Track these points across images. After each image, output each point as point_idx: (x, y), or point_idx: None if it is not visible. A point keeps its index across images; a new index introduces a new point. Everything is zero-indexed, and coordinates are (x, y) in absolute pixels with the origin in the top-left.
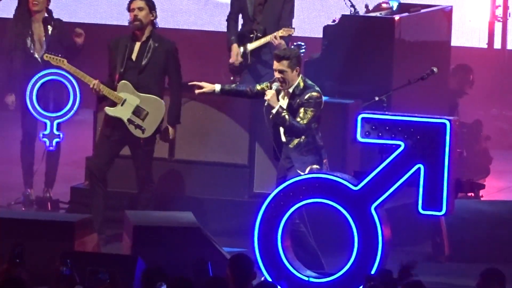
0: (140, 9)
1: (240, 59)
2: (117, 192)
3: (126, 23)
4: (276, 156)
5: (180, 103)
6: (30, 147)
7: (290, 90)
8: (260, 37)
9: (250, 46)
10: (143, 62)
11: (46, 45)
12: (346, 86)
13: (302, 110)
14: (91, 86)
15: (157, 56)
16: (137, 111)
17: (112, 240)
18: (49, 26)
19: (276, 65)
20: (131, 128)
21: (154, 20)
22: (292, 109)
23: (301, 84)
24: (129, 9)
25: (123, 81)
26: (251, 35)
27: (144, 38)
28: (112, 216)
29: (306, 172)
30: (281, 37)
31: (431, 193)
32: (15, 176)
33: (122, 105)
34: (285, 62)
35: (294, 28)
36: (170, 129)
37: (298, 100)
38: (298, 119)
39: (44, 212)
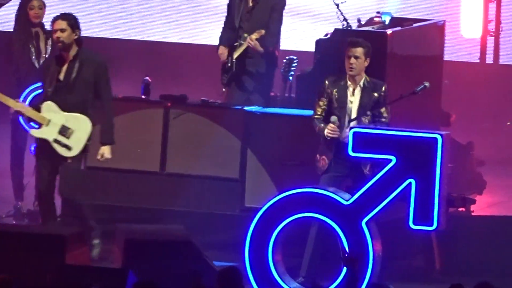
0: (62, 30)
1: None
2: (110, 206)
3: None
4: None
5: (112, 120)
6: (19, 160)
7: (361, 84)
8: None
9: (235, 54)
10: (71, 82)
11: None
12: None
13: (384, 109)
14: (14, 109)
15: (85, 74)
16: (62, 130)
17: (104, 253)
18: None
19: (351, 51)
20: (57, 147)
21: (79, 37)
22: (365, 103)
23: (367, 78)
24: (52, 29)
25: (47, 101)
26: (235, 44)
27: (71, 57)
28: (104, 229)
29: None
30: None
31: (422, 208)
32: (6, 189)
33: (47, 125)
34: (360, 49)
35: (263, 30)
36: (104, 148)
37: (373, 93)
38: (384, 120)
39: (35, 225)
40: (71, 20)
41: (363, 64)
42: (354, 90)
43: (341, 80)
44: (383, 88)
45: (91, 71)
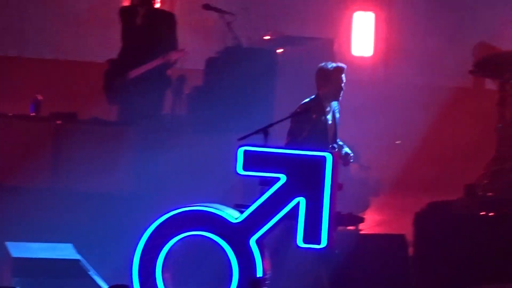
0: None
1: None
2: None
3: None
4: None
5: None
6: None
7: (333, 106)
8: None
9: (133, 73)
10: None
11: None
12: (228, 118)
13: None
14: None
15: None
16: None
17: None
18: None
19: (343, 77)
20: None
21: None
22: (338, 123)
23: None
24: None
25: None
26: (127, 62)
27: None
28: None
29: None
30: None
31: (311, 226)
32: None
33: None
34: None
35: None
36: None
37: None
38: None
39: None
40: None
41: None
42: (328, 113)
43: (318, 104)
44: (339, 106)
45: None
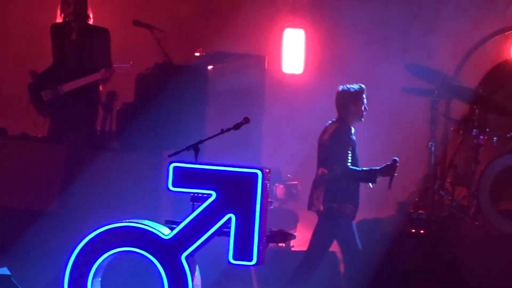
0: None
1: None
2: None
3: None
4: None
5: None
6: None
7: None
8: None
9: (66, 87)
10: None
11: None
12: (160, 134)
13: None
14: None
15: None
16: None
17: None
18: None
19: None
20: None
21: None
22: None
23: None
24: None
25: None
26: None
27: None
28: None
29: None
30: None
31: (242, 243)
32: None
33: None
34: None
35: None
36: None
37: None
38: None
39: None
40: None
41: None
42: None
43: (347, 126)
44: None
45: None
